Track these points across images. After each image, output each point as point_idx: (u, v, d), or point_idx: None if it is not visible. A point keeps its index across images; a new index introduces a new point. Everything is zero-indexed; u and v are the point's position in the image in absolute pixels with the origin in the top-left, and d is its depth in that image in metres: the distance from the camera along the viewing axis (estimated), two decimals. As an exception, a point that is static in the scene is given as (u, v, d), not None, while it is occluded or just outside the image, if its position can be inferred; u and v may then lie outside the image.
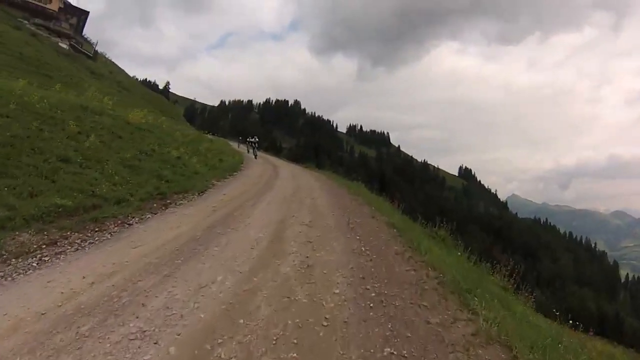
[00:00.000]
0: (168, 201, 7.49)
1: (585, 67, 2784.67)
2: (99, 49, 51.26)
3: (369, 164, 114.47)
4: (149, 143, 11.01)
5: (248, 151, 21.51)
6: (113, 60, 60.84)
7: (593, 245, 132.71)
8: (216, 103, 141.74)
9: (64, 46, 37.59)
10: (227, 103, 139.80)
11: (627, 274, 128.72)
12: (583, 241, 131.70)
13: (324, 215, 7.58)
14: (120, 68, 61.13)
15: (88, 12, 46.05)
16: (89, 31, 65.56)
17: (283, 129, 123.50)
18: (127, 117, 12.31)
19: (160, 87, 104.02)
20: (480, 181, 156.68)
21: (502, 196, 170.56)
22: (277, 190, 10.37)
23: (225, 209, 7.24)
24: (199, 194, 8.63)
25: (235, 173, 13.27)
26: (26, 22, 35.12)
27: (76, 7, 44.18)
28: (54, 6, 40.40)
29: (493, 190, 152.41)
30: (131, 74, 71.44)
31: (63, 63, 30.81)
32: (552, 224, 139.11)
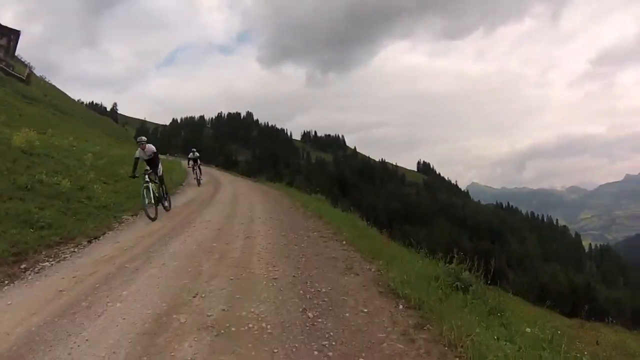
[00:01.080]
0: (23, 265, 4.80)
1: (531, 55, 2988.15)
2: (39, 72, 46.74)
3: (327, 168, 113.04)
4: (37, 172, 8.16)
5: (193, 171, 17.83)
6: (55, 84, 55.96)
7: (555, 222, 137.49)
8: (168, 122, 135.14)
9: (-9, 69, 33.18)
10: (179, 120, 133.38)
11: (590, 244, 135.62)
12: (545, 219, 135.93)
13: (255, 295, 3.82)
14: (60, 91, 56.10)
15: (19, 32, 41.40)
16: (27, 54, 60.17)
17: (238, 142, 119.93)
18: (12, 139, 9.33)
19: (108, 109, 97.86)
20: (439, 173, 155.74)
21: (462, 185, 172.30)
22: (193, 232, 6.74)
23: (78, 288, 4.00)
24: (88, 242, 5.93)
25: (166, 199, 10.50)
26: (-51, 45, 30.75)
27: (5, 27, 39.50)
28: (-20, 27, 36.05)
29: (453, 181, 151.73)
30: (76, 97, 66.39)
31: (-12, 87, 26.71)
32: (513, 207, 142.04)
